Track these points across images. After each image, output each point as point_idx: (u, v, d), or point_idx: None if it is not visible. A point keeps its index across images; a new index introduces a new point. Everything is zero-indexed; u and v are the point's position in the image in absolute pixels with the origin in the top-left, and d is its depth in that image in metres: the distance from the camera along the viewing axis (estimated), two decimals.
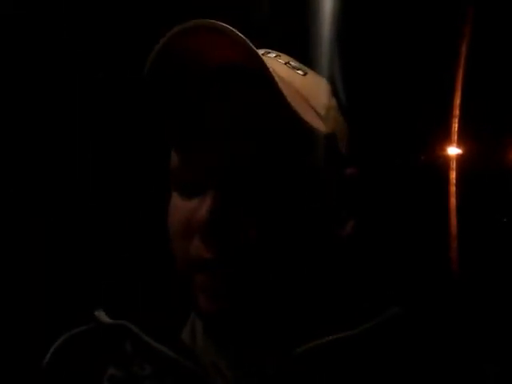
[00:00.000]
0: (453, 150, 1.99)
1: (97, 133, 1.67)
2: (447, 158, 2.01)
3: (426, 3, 2.16)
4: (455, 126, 2.03)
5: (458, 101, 2.06)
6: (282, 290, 0.66)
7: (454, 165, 1.98)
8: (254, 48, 0.65)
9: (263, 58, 0.65)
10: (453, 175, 2.00)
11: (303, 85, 0.72)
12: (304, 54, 0.98)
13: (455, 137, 1.98)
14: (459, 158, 2.01)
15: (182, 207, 0.70)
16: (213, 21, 0.67)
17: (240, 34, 0.65)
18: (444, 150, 2.01)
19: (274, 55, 0.78)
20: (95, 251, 1.62)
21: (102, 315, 0.78)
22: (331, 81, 0.91)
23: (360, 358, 0.68)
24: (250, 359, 0.72)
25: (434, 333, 0.72)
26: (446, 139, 2.00)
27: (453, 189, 2.00)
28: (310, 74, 0.78)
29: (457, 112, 2.05)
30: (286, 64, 0.74)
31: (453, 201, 2.01)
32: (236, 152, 0.66)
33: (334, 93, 0.86)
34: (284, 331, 0.70)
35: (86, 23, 1.68)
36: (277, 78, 0.63)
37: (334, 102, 0.77)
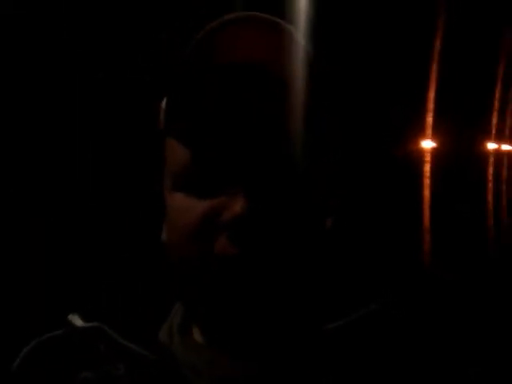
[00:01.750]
0: (427, 144, 2.03)
1: (94, 132, 1.66)
2: (422, 152, 2.05)
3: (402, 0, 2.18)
4: (429, 120, 2.07)
5: (432, 95, 2.09)
6: (286, 283, 0.68)
7: (428, 158, 2.01)
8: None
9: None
10: (427, 168, 2.03)
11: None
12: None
13: (429, 131, 2.02)
14: (433, 151, 2.04)
15: (195, 207, 0.70)
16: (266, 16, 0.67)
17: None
18: (418, 143, 2.05)
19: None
20: (71, 256, 1.61)
21: (75, 319, 0.78)
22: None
23: (347, 349, 0.70)
24: (228, 359, 0.73)
25: (409, 326, 0.74)
26: (420, 133, 2.03)
27: (427, 181, 2.04)
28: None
29: (431, 106, 2.09)
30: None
31: (426, 193, 2.05)
32: (263, 152, 0.66)
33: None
34: (272, 328, 0.71)
35: (85, 23, 1.67)
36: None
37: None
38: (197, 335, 0.70)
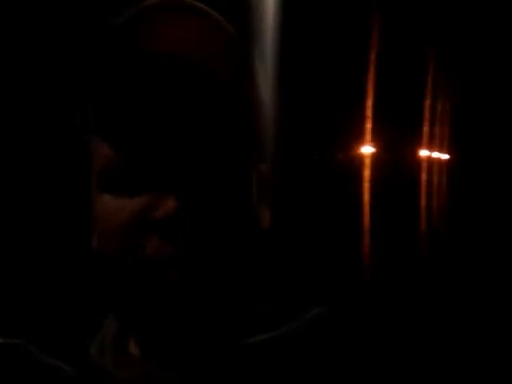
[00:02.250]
0: (367, 149, 2.11)
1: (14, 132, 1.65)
2: (361, 157, 2.13)
3: (339, 11, 2.26)
4: (368, 126, 2.15)
5: (369, 103, 2.18)
6: (221, 286, 0.68)
7: (368, 162, 2.09)
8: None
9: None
10: (367, 172, 2.11)
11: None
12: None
13: (368, 136, 2.09)
14: (373, 156, 2.12)
15: (124, 207, 0.67)
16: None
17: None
18: (358, 148, 2.12)
19: None
20: None
21: None
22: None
23: (283, 359, 0.71)
24: (163, 371, 0.72)
25: (352, 330, 0.75)
26: (360, 139, 2.11)
27: (366, 185, 2.11)
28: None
29: (369, 113, 2.17)
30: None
31: (366, 197, 2.12)
32: (190, 147, 0.65)
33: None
34: (206, 333, 0.71)
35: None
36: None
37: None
38: (132, 348, 0.70)
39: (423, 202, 3.68)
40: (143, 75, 0.67)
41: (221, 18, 0.68)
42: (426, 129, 4.46)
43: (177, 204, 0.64)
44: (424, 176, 4.00)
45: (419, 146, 3.78)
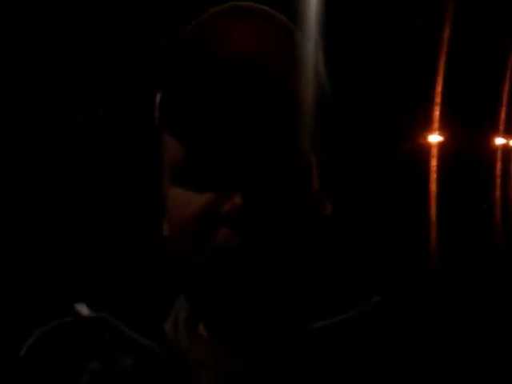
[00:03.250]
0: (434, 138, 2.00)
1: (93, 129, 1.66)
2: (428, 146, 2.02)
3: None
4: (436, 113, 2.04)
5: (439, 88, 2.06)
6: (285, 273, 0.67)
7: (435, 152, 1.99)
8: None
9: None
10: (434, 162, 2.01)
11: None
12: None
13: (437, 124, 1.99)
14: (440, 145, 2.01)
15: (194, 200, 0.69)
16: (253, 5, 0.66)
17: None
18: (425, 137, 2.02)
19: None
20: (78, 245, 1.61)
21: (82, 308, 0.78)
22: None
23: (344, 345, 0.70)
24: (232, 354, 0.72)
25: (414, 320, 0.73)
26: (427, 127, 2.01)
27: (433, 176, 2.01)
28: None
29: (438, 100, 2.06)
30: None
31: (433, 187, 2.02)
32: (259, 143, 0.66)
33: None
34: (274, 319, 0.71)
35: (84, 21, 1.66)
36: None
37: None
38: (202, 330, 0.70)
39: (497, 193, 3.51)
40: (211, 75, 0.65)
41: (285, 19, 0.65)
42: (502, 115, 4.25)
43: (243, 198, 0.62)
44: (499, 165, 3.81)
45: (494, 133, 3.61)
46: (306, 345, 0.68)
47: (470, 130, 2.28)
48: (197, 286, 0.69)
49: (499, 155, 3.85)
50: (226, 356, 0.69)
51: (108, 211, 1.69)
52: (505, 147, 4.50)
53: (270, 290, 0.68)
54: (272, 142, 0.65)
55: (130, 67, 1.57)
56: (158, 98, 0.72)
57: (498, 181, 3.65)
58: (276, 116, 0.67)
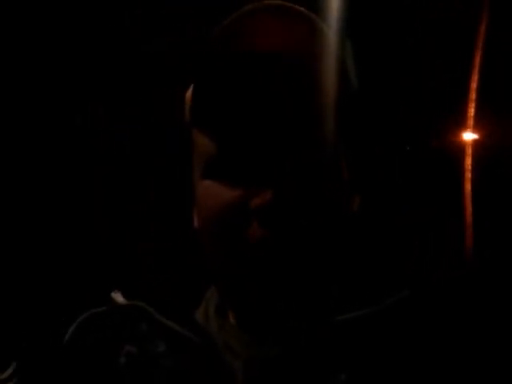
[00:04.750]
0: (468, 136, 1.96)
1: (123, 121, 1.67)
2: (463, 144, 1.98)
3: None
4: (471, 110, 1.99)
5: (474, 85, 2.02)
6: (316, 268, 0.67)
7: (469, 150, 1.95)
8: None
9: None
10: (468, 161, 1.97)
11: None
12: None
13: (471, 122, 1.95)
14: (475, 143, 1.97)
15: (225, 194, 0.69)
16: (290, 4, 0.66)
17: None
18: (460, 135, 1.98)
19: None
20: (114, 236, 1.63)
21: (118, 296, 0.80)
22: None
23: (371, 337, 0.69)
24: (263, 339, 0.73)
25: (441, 316, 0.72)
26: (461, 124, 1.97)
27: (468, 175, 1.97)
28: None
29: (473, 96, 2.02)
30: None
31: (468, 187, 1.98)
32: (289, 139, 0.65)
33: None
34: (302, 310, 0.71)
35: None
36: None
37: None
38: (232, 318, 0.70)
39: None
40: (244, 72, 0.65)
41: (316, 18, 0.64)
42: None
43: (274, 193, 0.62)
44: None
45: None
46: (329, 336, 0.67)
47: (505, 127, 2.22)
48: (227, 278, 0.69)
49: None
50: (255, 344, 0.69)
51: (108, 211, 1.69)
52: None
53: (298, 283, 0.67)
54: (302, 138, 0.64)
55: (130, 67, 1.57)
56: (188, 94, 0.70)
57: None
58: (306, 113, 0.66)
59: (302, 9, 0.63)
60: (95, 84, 1.60)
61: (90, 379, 0.69)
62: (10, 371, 0.76)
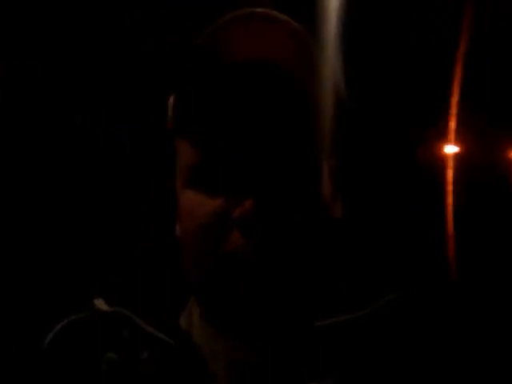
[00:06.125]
0: (450, 149, 1.98)
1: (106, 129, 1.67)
2: (444, 157, 2.00)
3: (424, 1, 2.15)
4: (452, 124, 2.01)
5: (455, 99, 2.04)
6: (297, 275, 0.67)
7: (451, 163, 1.96)
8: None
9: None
10: (450, 174, 1.98)
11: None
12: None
13: (452, 135, 1.96)
14: (456, 156, 1.99)
15: (206, 204, 0.69)
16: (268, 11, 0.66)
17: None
18: (441, 148, 2.00)
19: None
20: (94, 242, 1.62)
21: (100, 303, 0.80)
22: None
23: (358, 342, 0.69)
24: (246, 344, 0.73)
25: (427, 319, 0.72)
26: (443, 137, 1.98)
27: (450, 187, 1.98)
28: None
29: (454, 110, 2.04)
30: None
31: (450, 200, 2.00)
32: (271, 149, 0.65)
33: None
34: (285, 316, 0.71)
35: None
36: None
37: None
38: (215, 324, 0.69)
39: None
40: (226, 81, 0.65)
41: (300, 26, 0.65)
42: None
43: (255, 202, 0.62)
44: None
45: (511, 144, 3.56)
46: (314, 341, 0.67)
47: (486, 140, 2.24)
48: (207, 286, 0.69)
49: None
50: (238, 349, 0.69)
51: (108, 211, 1.69)
52: None
53: (280, 291, 0.67)
54: (283, 147, 0.64)
55: (130, 67, 1.56)
56: (170, 102, 0.71)
57: None
58: (288, 122, 0.66)
59: (286, 17, 0.63)
60: (95, 84, 1.60)
61: None
62: None
